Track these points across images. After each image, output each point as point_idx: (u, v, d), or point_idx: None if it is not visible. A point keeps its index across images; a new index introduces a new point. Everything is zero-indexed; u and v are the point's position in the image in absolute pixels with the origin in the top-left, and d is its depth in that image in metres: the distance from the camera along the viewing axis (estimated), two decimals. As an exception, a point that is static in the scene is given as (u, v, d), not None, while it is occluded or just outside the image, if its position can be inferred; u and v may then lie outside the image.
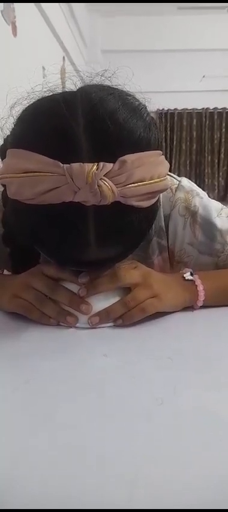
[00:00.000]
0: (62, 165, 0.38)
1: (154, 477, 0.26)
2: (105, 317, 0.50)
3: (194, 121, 4.78)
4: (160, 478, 0.26)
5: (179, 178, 0.64)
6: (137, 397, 0.35)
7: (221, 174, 4.80)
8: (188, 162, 4.82)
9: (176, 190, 0.62)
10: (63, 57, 3.33)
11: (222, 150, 4.76)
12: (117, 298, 0.51)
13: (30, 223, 0.44)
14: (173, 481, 0.26)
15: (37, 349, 0.45)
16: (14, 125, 0.45)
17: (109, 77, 0.47)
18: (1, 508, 0.23)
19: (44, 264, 0.52)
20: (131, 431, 0.31)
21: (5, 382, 0.38)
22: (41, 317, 0.50)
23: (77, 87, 0.46)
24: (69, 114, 0.40)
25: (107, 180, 0.39)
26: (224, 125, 4.74)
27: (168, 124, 4.75)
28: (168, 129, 4.75)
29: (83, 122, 0.40)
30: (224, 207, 0.64)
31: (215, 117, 4.76)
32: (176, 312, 0.55)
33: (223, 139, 4.75)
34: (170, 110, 4.73)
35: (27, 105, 0.45)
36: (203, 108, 4.75)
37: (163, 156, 0.46)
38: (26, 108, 0.45)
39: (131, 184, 0.40)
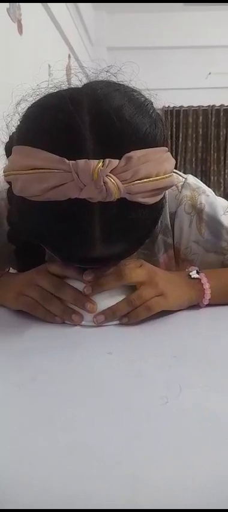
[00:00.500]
0: (67, 161, 0.38)
1: (156, 477, 0.26)
2: (111, 315, 0.50)
3: (200, 118, 4.76)
4: (162, 478, 0.25)
5: (185, 176, 0.63)
6: (141, 396, 0.35)
7: (226, 171, 4.77)
8: (193, 159, 4.80)
9: (182, 188, 0.61)
10: (69, 55, 3.33)
11: (228, 147, 4.74)
12: (122, 297, 0.51)
13: (35, 220, 0.44)
14: (175, 482, 0.25)
15: (42, 347, 0.45)
16: (20, 122, 0.45)
17: (115, 73, 0.47)
18: (2, 508, 0.23)
19: (50, 262, 0.52)
20: (134, 431, 0.30)
21: (11, 379, 0.38)
22: (46, 315, 0.50)
23: (83, 84, 0.45)
24: (74, 111, 0.40)
25: (113, 176, 0.39)
26: (230, 122, 4.73)
27: (174, 121, 4.74)
28: (174, 126, 4.74)
29: (88, 118, 0.39)
30: (231, 204, 0.64)
31: (221, 114, 4.74)
32: (181, 310, 0.55)
33: (229, 137, 4.74)
34: (176, 107, 4.71)
35: (33, 102, 0.45)
36: (209, 105, 4.72)
37: (169, 153, 0.46)
38: (31, 105, 0.45)
39: (136, 180, 0.40)
